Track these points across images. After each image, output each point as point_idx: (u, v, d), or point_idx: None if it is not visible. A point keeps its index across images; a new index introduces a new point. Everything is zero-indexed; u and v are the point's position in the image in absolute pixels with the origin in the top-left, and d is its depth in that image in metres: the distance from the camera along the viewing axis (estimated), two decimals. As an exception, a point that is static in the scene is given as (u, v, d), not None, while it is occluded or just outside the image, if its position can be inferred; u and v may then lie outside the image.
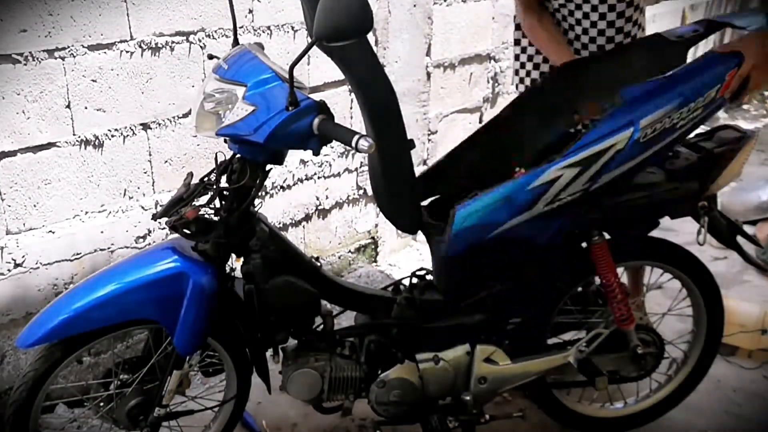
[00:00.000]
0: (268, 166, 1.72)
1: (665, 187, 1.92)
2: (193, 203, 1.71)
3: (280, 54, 2.65)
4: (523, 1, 2.30)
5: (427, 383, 1.95)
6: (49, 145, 2.13)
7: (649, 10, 4.77)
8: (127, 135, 2.30)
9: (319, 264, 1.91)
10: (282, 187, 2.84)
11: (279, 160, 1.73)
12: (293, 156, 2.83)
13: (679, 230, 2.13)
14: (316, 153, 1.65)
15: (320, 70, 2.81)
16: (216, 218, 1.73)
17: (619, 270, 2.00)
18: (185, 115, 2.43)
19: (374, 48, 1.64)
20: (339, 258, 3.24)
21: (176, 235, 1.75)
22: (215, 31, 2.45)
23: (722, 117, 5.94)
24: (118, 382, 1.81)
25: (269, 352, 1.92)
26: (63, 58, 2.09)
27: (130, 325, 1.77)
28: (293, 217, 2.95)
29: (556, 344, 2.10)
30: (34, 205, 2.14)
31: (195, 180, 1.76)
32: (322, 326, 1.95)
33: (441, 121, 3.50)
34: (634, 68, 2.04)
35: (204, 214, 1.72)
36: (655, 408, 2.26)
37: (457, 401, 1.99)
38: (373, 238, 3.39)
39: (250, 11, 2.55)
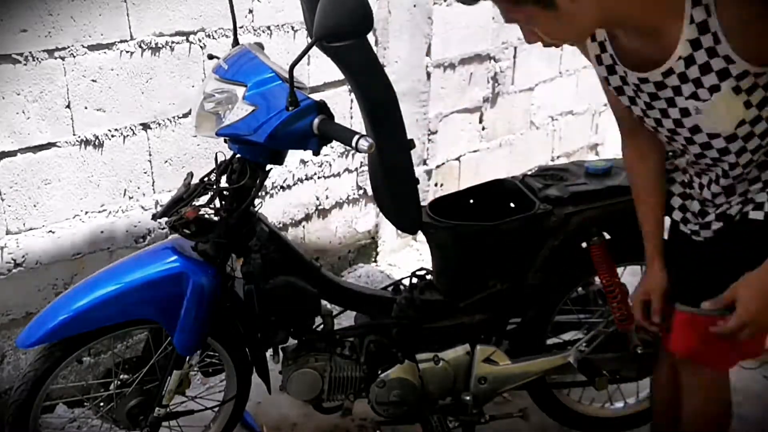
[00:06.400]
0: (268, 166, 1.72)
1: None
2: (193, 203, 1.71)
3: (280, 54, 2.65)
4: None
5: (427, 383, 1.95)
6: (49, 145, 2.12)
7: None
8: (127, 135, 2.30)
9: (319, 264, 1.91)
10: (282, 187, 2.84)
11: (279, 160, 1.73)
12: (293, 156, 2.83)
13: (679, 230, 2.13)
14: (316, 153, 1.65)
15: (320, 70, 2.81)
16: (216, 218, 1.73)
17: (619, 270, 2.00)
18: (185, 115, 2.43)
19: (374, 48, 1.64)
20: (339, 258, 3.24)
21: (176, 235, 1.75)
22: (215, 31, 2.44)
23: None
24: (118, 382, 1.81)
25: (269, 352, 1.92)
26: (63, 58, 2.09)
27: (130, 325, 1.78)
28: (293, 217, 2.94)
29: (556, 344, 2.10)
30: (34, 205, 2.14)
31: (195, 180, 1.76)
32: (322, 326, 1.95)
33: (441, 121, 3.50)
34: None
35: (204, 214, 1.72)
36: (655, 408, 2.26)
37: (457, 401, 1.99)
38: (373, 238, 3.39)
39: (250, 11, 2.55)
